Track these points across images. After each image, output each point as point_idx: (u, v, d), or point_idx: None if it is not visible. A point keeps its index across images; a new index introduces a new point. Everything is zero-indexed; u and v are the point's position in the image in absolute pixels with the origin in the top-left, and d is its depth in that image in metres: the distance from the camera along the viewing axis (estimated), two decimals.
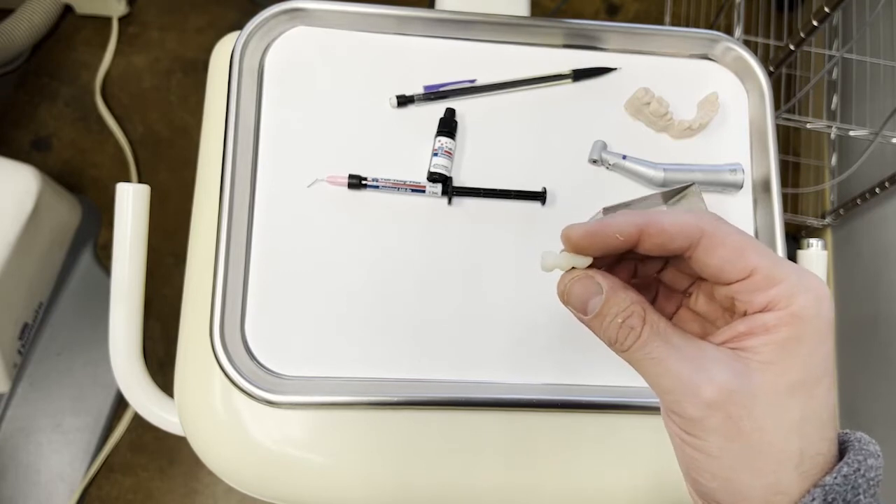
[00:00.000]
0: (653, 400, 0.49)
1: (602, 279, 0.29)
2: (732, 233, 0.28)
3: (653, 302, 0.32)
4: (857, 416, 1.08)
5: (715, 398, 0.26)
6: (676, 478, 0.51)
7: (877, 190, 1.03)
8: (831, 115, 1.23)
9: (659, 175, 0.54)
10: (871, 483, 0.26)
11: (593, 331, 0.29)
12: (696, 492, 0.28)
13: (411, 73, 0.56)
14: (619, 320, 0.28)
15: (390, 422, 0.49)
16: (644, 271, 0.33)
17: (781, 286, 0.27)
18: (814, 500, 0.25)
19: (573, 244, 0.29)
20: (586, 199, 0.55)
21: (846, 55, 1.11)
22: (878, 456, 0.27)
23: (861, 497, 0.26)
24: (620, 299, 0.28)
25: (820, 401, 0.27)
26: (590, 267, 0.30)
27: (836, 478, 0.25)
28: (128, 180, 1.27)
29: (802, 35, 0.82)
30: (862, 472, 0.26)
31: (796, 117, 1.00)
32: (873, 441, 0.28)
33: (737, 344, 0.27)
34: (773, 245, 0.54)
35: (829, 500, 0.25)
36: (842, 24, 1.26)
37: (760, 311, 0.27)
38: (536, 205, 0.54)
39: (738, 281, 0.28)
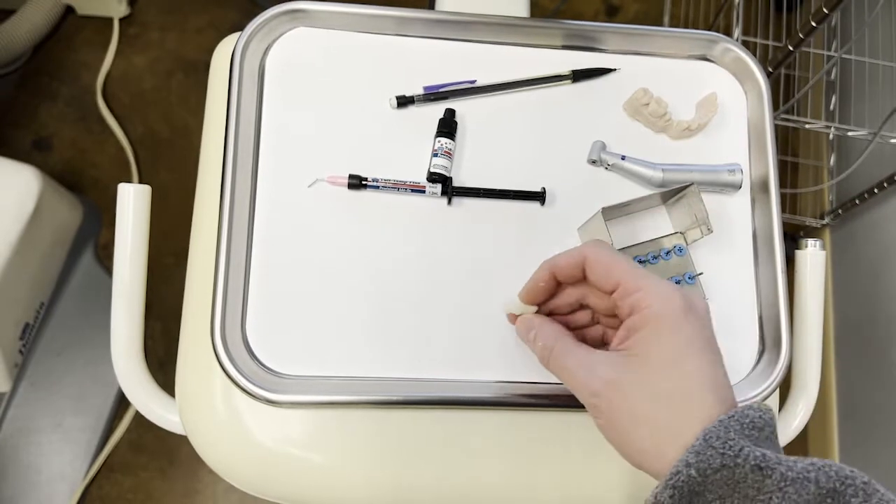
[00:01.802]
0: None
1: (536, 319, 0.44)
2: (606, 254, 0.40)
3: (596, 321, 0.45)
4: (856, 415, 1.08)
5: (599, 388, 0.37)
6: None
7: (875, 190, 1.03)
8: (830, 116, 1.23)
9: (658, 175, 0.55)
10: (750, 426, 0.34)
11: (532, 350, 0.44)
12: (619, 453, 0.38)
13: (411, 73, 0.56)
14: (540, 343, 0.42)
15: (391, 421, 0.50)
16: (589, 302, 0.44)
17: (639, 293, 0.37)
18: (697, 441, 0.33)
19: (523, 300, 0.45)
20: (585, 200, 0.55)
21: (845, 56, 1.11)
22: (762, 410, 0.35)
23: (735, 438, 0.33)
24: (545, 331, 0.42)
25: (686, 375, 0.36)
26: (540, 311, 0.45)
27: (715, 424, 0.34)
28: (128, 180, 1.27)
29: (801, 36, 0.82)
30: (737, 418, 0.34)
31: (795, 118, 1.00)
32: (765, 405, 0.36)
33: (622, 345, 0.38)
34: (771, 245, 0.54)
35: (707, 438, 0.33)
36: (840, 24, 1.26)
37: (630, 316, 0.37)
38: (536, 205, 0.54)
39: (612, 291, 0.39)
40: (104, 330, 0.53)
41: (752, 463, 0.32)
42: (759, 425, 0.34)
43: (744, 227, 0.56)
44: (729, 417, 0.34)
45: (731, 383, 0.52)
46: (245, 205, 0.51)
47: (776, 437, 0.36)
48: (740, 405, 0.35)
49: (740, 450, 0.32)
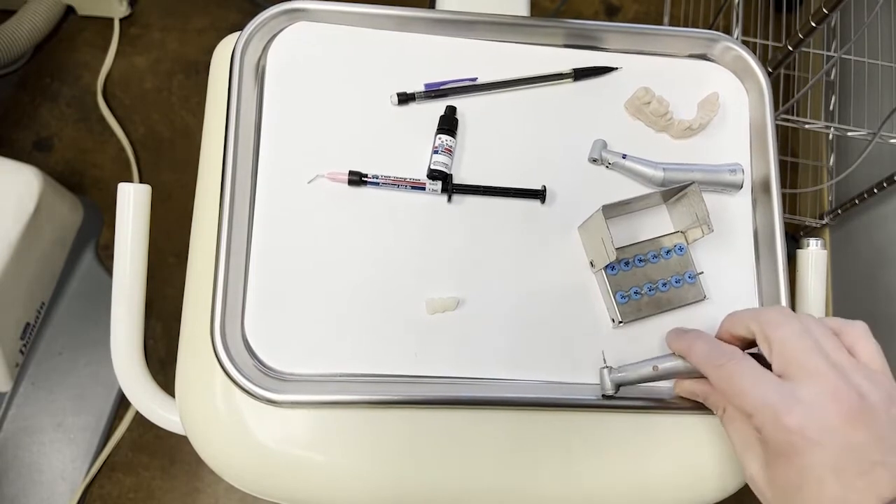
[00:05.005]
0: (652, 400, 0.49)
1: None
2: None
3: None
4: None
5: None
6: (676, 478, 0.51)
7: (875, 190, 1.03)
8: (829, 116, 1.23)
9: (658, 174, 0.55)
10: None
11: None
12: None
13: (412, 70, 0.56)
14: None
15: (393, 420, 0.50)
16: None
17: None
18: None
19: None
20: (586, 198, 0.55)
21: (844, 56, 1.11)
22: None
23: None
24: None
25: None
26: None
27: None
28: (129, 180, 1.27)
29: (801, 36, 0.82)
30: None
31: (795, 118, 1.00)
32: None
33: None
34: (772, 245, 0.54)
35: None
36: (840, 24, 1.26)
37: None
38: (536, 203, 0.54)
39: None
40: (105, 330, 0.53)
41: None
42: None
43: (745, 227, 0.56)
44: None
45: None
46: (245, 203, 0.52)
47: None
48: None
49: None
